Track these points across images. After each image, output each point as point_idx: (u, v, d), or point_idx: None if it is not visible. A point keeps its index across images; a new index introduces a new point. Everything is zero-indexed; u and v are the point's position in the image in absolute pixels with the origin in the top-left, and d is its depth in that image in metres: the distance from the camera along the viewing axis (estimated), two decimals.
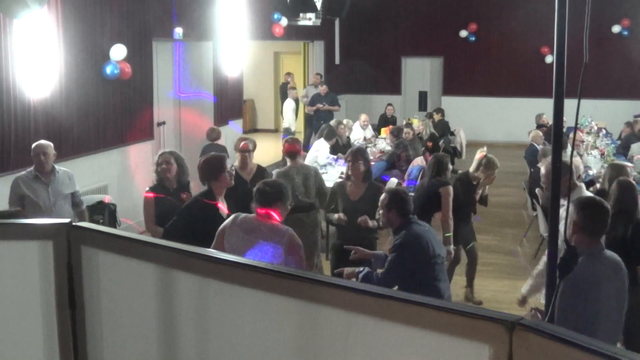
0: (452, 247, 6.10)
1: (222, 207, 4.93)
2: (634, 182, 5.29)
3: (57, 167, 5.98)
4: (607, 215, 3.58)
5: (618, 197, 4.80)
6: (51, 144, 5.97)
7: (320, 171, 8.88)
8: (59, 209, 5.85)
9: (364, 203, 5.73)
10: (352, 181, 5.87)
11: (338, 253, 5.85)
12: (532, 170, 9.49)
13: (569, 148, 7.83)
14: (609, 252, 3.63)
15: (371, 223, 5.65)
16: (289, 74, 16.02)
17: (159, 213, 5.53)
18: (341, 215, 5.75)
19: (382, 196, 4.85)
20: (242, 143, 6.38)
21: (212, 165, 4.98)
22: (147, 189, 5.71)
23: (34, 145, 5.92)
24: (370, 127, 12.87)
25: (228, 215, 4.77)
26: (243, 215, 4.43)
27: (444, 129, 13.22)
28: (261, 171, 6.37)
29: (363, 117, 12.66)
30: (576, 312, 3.39)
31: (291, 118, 13.79)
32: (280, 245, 4.21)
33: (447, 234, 6.06)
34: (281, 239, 4.23)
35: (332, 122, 11.49)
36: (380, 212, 4.84)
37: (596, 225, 3.53)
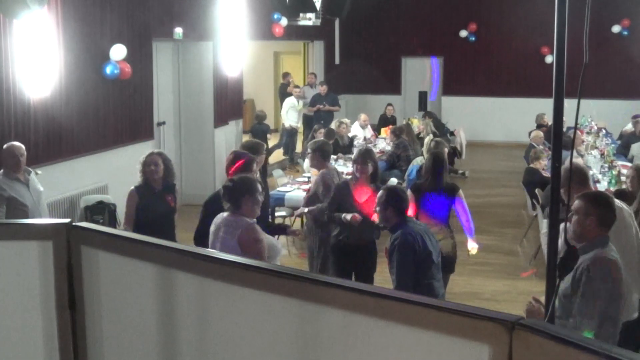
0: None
1: None
2: None
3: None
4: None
5: None
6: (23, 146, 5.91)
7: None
8: (42, 208, 5.81)
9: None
10: (358, 182, 5.85)
11: (340, 252, 5.84)
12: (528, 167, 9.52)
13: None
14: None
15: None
16: (287, 74, 16.02)
17: (143, 214, 5.52)
18: (356, 214, 5.66)
19: (379, 194, 4.85)
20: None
21: (240, 188, 4.49)
22: (133, 187, 5.61)
23: (8, 145, 5.79)
24: (369, 126, 12.86)
25: None
26: (222, 213, 4.47)
27: (438, 128, 13.26)
28: (265, 166, 6.55)
29: (363, 116, 12.65)
30: (606, 295, 3.52)
31: (287, 115, 13.77)
32: (234, 237, 4.23)
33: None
34: (235, 232, 4.25)
35: (334, 122, 11.51)
36: (377, 209, 4.84)
37: (614, 218, 3.73)
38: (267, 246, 4.34)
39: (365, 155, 5.87)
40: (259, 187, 4.47)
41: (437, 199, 5.83)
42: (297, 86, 14.27)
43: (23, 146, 5.87)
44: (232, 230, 4.28)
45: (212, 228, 4.46)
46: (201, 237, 4.83)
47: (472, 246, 6.04)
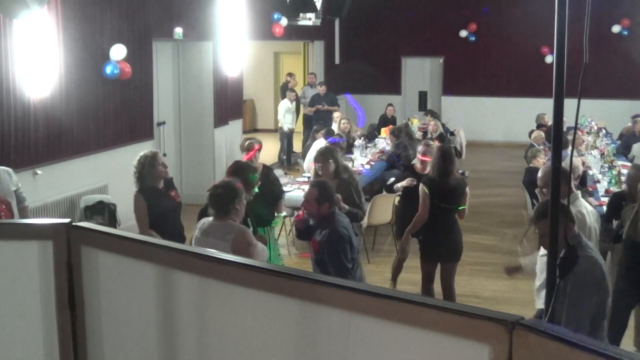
0: None
1: None
2: None
3: None
4: None
5: None
6: None
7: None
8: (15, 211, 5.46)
9: None
10: None
11: None
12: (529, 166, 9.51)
13: (569, 148, 7.80)
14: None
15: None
16: (290, 74, 16.01)
17: (155, 214, 5.43)
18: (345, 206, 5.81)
19: (310, 191, 4.81)
20: (248, 142, 6.57)
21: (229, 194, 4.62)
22: (137, 192, 5.46)
23: None
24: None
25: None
26: (205, 219, 4.47)
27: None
28: (267, 170, 6.42)
29: (337, 114, 12.33)
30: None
31: (284, 118, 13.76)
32: (228, 242, 4.22)
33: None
34: (227, 236, 4.24)
35: (335, 122, 11.46)
36: (311, 206, 4.76)
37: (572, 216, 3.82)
38: (259, 250, 4.37)
39: (326, 154, 6.09)
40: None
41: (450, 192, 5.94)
42: (292, 90, 14.23)
43: None
44: (223, 235, 4.26)
45: (197, 234, 4.41)
46: None
47: None
